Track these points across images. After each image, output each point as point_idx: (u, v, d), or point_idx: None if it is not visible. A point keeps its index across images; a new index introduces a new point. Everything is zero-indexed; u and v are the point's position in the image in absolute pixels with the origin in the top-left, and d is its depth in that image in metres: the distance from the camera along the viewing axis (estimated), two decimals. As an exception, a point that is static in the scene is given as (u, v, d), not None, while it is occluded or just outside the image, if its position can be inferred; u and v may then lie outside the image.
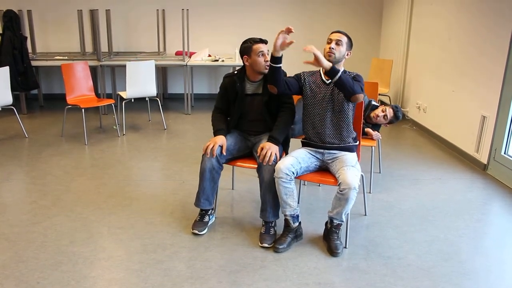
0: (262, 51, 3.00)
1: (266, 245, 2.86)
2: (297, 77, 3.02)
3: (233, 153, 3.09)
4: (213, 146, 2.93)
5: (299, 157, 2.88)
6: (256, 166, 2.98)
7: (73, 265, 2.63)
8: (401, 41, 6.34)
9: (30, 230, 3.04)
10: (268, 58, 2.95)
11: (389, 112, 3.68)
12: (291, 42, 2.79)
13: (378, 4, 7.32)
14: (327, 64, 2.73)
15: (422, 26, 5.82)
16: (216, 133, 3.06)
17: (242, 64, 3.13)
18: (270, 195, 2.88)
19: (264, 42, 3.05)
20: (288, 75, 3.06)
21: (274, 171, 2.81)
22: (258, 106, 3.07)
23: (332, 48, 2.84)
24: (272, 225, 2.96)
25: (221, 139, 2.98)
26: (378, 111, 3.70)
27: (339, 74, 2.72)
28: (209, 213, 3.11)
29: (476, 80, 4.48)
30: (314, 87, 2.94)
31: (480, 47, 4.41)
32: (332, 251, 2.77)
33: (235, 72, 3.12)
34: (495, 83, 4.13)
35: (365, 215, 3.35)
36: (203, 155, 2.98)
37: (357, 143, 3.01)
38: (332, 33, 2.94)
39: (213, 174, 2.98)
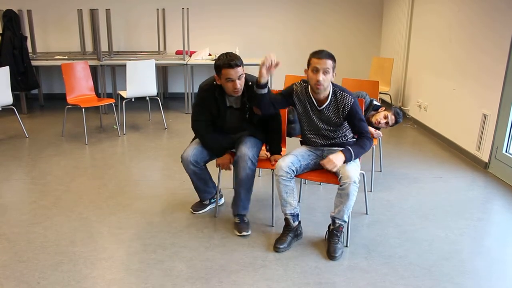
0: (229, 78, 2.80)
1: (244, 233, 2.99)
2: (288, 93, 2.87)
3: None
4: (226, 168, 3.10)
5: (299, 155, 2.88)
6: None
7: (74, 265, 2.63)
8: (402, 40, 6.33)
9: (30, 230, 3.04)
10: (238, 86, 2.83)
11: (391, 119, 3.67)
12: (277, 64, 2.69)
13: (379, 3, 7.31)
14: (340, 157, 2.66)
15: (422, 24, 5.80)
16: (217, 153, 3.11)
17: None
18: (242, 191, 3.00)
19: (237, 66, 2.79)
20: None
21: (248, 168, 2.91)
22: (239, 118, 3.06)
23: (320, 81, 2.64)
24: (244, 214, 3.12)
25: (228, 159, 3.10)
26: (380, 117, 3.67)
27: (353, 159, 2.70)
28: (209, 197, 3.29)
29: (477, 78, 4.46)
30: (305, 110, 2.86)
31: (481, 45, 4.39)
32: (330, 255, 2.74)
33: (214, 83, 2.95)
34: (496, 81, 4.12)
35: (366, 214, 3.34)
36: (182, 162, 3.07)
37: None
38: (315, 57, 2.65)
39: (199, 175, 3.12)
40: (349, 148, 2.70)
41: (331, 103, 2.77)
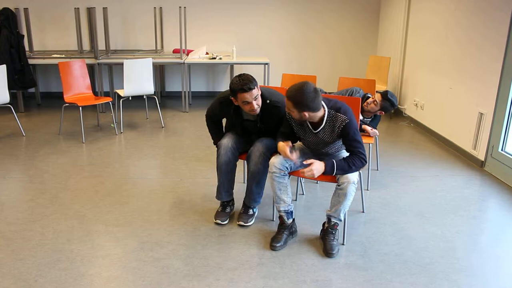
0: (246, 101, 2.82)
1: (242, 223, 3.07)
2: (287, 125, 2.88)
3: (242, 146, 3.18)
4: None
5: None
6: None
7: (71, 263, 2.63)
8: (399, 38, 6.34)
9: (27, 228, 3.04)
10: (255, 107, 2.84)
11: (377, 97, 3.69)
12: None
13: (376, 1, 7.32)
14: (322, 168, 2.62)
15: (419, 23, 5.82)
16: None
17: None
18: (253, 183, 3.05)
19: (250, 89, 2.78)
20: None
21: (259, 163, 2.94)
22: (254, 129, 3.11)
23: None
24: (251, 207, 3.16)
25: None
26: (369, 101, 3.73)
27: (334, 173, 2.65)
28: (230, 204, 3.23)
29: (473, 77, 4.48)
30: (302, 131, 2.84)
31: (477, 44, 4.41)
32: (327, 252, 2.76)
33: (231, 96, 2.93)
34: (493, 80, 4.14)
35: (363, 212, 3.35)
36: (217, 151, 3.08)
37: None
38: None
39: (230, 166, 3.10)
40: (334, 161, 2.64)
41: (327, 125, 2.72)
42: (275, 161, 2.78)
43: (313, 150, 2.95)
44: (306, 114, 2.60)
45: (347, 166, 2.64)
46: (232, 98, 2.90)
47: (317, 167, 2.59)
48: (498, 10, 4.05)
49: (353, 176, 2.65)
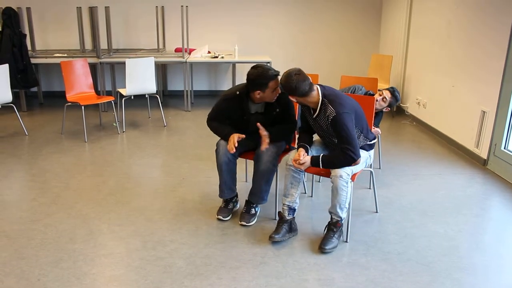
0: (275, 88, 2.88)
1: (244, 223, 3.07)
2: (303, 116, 2.98)
3: (243, 146, 3.15)
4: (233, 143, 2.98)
5: (313, 149, 2.96)
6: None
7: (73, 262, 2.64)
8: (401, 37, 6.33)
9: (30, 227, 3.05)
10: (280, 90, 2.91)
11: (386, 94, 3.68)
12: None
13: (378, 0, 7.30)
14: (308, 163, 2.77)
15: (421, 21, 5.80)
16: (227, 136, 3.06)
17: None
18: (263, 182, 3.04)
19: (277, 74, 2.88)
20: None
21: (269, 162, 2.96)
22: (263, 122, 3.09)
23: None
24: (254, 206, 3.15)
25: (236, 136, 3.00)
26: (376, 97, 3.71)
27: (320, 167, 2.74)
28: (233, 200, 3.24)
29: (476, 75, 4.47)
30: (308, 115, 2.89)
31: (479, 42, 4.39)
32: (320, 246, 2.77)
33: (237, 92, 3.00)
34: (495, 78, 4.13)
35: (366, 210, 3.35)
36: (216, 150, 3.07)
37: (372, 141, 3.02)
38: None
39: (230, 166, 3.10)
40: (321, 156, 2.73)
41: (321, 112, 2.74)
42: (295, 156, 2.83)
43: (324, 141, 2.97)
44: (294, 98, 2.73)
45: (331, 161, 2.71)
46: (257, 91, 2.87)
47: (306, 160, 2.75)
48: (500, 9, 4.03)
49: (340, 170, 2.67)
